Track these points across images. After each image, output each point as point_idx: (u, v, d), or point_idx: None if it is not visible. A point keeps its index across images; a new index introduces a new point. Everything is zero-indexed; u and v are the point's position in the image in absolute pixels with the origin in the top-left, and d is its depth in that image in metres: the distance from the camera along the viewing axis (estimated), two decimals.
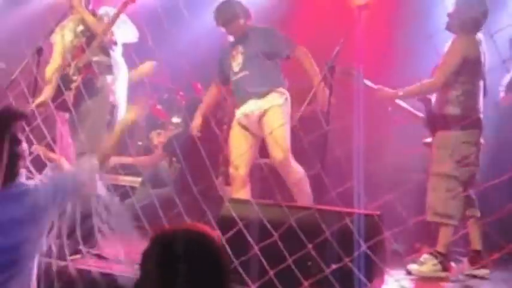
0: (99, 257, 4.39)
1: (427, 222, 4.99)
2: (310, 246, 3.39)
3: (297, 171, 5.37)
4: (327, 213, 3.62)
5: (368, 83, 5.08)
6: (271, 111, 5.42)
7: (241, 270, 3.46)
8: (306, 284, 3.37)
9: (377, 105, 5.30)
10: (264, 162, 5.31)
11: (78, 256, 4.11)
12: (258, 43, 5.44)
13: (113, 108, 5.67)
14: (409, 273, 4.89)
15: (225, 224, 3.78)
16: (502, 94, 5.85)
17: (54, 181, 3.39)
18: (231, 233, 3.58)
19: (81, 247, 4.03)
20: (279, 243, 3.39)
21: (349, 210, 3.66)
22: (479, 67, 4.94)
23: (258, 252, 3.47)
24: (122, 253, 4.32)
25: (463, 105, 4.91)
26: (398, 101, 5.28)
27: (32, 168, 3.69)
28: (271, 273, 3.39)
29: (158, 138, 7.37)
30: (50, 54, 4.84)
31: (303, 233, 3.41)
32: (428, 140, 5.19)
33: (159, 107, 7.41)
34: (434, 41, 4.79)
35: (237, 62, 5.62)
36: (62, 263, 3.81)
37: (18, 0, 7.94)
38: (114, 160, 6.33)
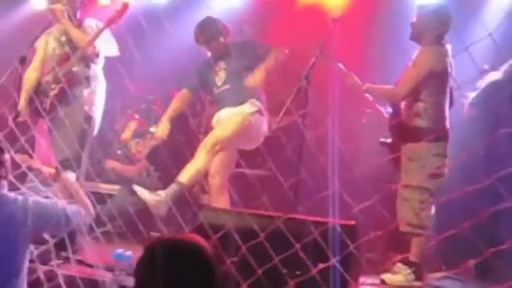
0: (82, 262, 4.44)
1: (399, 232, 5.02)
2: (298, 249, 3.39)
3: (225, 196, 5.50)
4: (303, 222, 3.65)
5: (341, 66, 5.12)
6: (231, 117, 5.57)
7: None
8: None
9: (352, 115, 5.42)
10: (248, 172, 5.40)
11: (60, 262, 4.16)
12: (238, 58, 5.63)
13: (89, 118, 5.75)
14: (383, 282, 4.96)
15: (201, 232, 3.82)
16: (466, 106, 5.89)
17: (46, 208, 3.39)
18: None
19: (63, 253, 4.08)
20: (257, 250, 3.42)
21: (325, 220, 3.72)
22: (446, 78, 4.98)
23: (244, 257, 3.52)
24: (102, 259, 4.39)
25: (431, 117, 4.97)
26: (368, 96, 5.33)
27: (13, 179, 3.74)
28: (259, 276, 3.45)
29: (136, 147, 7.43)
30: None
31: (279, 241, 3.44)
32: (388, 140, 5.27)
33: (136, 116, 7.47)
34: (409, 53, 4.95)
35: (219, 77, 5.77)
36: (46, 268, 3.87)
37: (2, 9, 7.95)
38: (110, 163, 6.41)
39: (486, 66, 4.35)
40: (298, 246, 3.41)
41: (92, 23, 5.87)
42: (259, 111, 5.63)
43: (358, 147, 6.00)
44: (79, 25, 5.80)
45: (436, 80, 4.95)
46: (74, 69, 5.60)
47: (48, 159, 6.05)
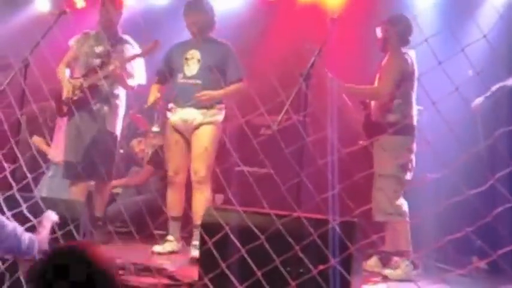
0: None
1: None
2: (298, 249, 3.49)
3: (209, 191, 5.60)
4: (306, 220, 3.62)
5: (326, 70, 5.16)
6: (208, 128, 5.56)
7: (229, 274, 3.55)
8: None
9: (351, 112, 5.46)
10: (247, 170, 5.44)
11: None
12: (216, 57, 5.59)
13: (115, 138, 5.95)
14: (385, 277, 5.12)
15: (208, 230, 3.89)
16: (478, 100, 5.94)
17: (11, 233, 3.44)
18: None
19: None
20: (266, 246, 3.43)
21: (328, 217, 3.76)
22: (413, 78, 5.34)
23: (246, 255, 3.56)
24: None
25: (403, 112, 5.28)
26: (345, 97, 5.43)
27: None
28: (260, 274, 3.49)
29: (139, 146, 7.52)
30: (36, 66, 4.92)
31: (282, 239, 3.47)
32: (363, 142, 5.35)
33: (139, 115, 7.54)
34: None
35: (190, 67, 5.65)
36: None
37: (3, 13, 8.00)
38: (114, 183, 6.47)
39: (470, 72, 4.39)
40: (300, 244, 3.45)
41: (129, 39, 6.05)
42: (224, 116, 5.70)
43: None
44: (118, 40, 5.97)
45: (406, 80, 5.30)
46: (100, 83, 5.71)
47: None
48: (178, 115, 5.66)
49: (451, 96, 3.07)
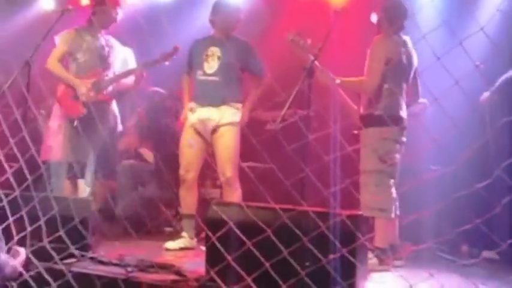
0: (93, 259, 4.48)
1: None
2: (307, 241, 3.50)
3: (239, 189, 5.64)
4: (309, 214, 3.65)
5: (316, 63, 5.07)
6: (229, 129, 5.63)
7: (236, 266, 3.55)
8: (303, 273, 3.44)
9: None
10: (247, 165, 5.48)
11: (73, 260, 4.22)
12: (237, 55, 5.61)
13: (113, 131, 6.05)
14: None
15: (212, 225, 3.91)
16: (486, 94, 5.95)
17: None
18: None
19: (74, 251, 4.16)
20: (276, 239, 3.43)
21: (331, 211, 3.77)
22: (401, 68, 5.16)
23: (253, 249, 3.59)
24: (115, 255, 4.48)
25: (384, 104, 5.11)
26: (340, 90, 5.39)
27: None
28: (265, 268, 3.52)
29: None
30: (38, 67, 4.95)
31: (286, 233, 3.48)
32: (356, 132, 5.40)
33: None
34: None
35: (210, 64, 5.70)
36: (57, 267, 3.96)
37: (5, 13, 8.02)
38: None
39: (478, 63, 4.39)
40: (305, 238, 3.45)
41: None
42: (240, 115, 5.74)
43: None
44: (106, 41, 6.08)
45: (392, 69, 5.10)
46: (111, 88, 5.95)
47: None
48: (197, 115, 5.72)
49: (457, 90, 3.06)
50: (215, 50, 5.73)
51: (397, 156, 5.14)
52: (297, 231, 3.43)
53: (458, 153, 3.18)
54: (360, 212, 3.88)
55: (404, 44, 5.23)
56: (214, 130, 5.67)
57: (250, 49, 5.80)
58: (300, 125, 4.77)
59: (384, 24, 5.29)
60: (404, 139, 5.21)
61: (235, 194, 5.59)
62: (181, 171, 5.72)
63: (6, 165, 4.23)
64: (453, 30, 3.34)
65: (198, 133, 5.74)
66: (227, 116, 5.65)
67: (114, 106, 6.07)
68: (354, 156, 4.49)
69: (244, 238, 3.51)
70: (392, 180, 5.12)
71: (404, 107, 5.22)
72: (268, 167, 5.91)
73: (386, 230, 5.07)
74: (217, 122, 5.65)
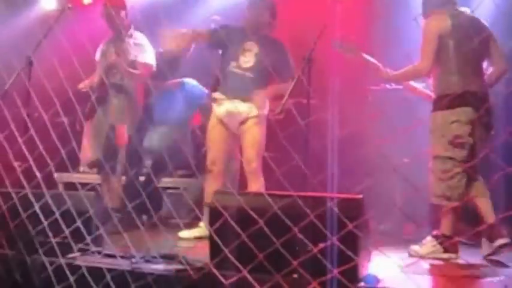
0: (103, 254, 4.48)
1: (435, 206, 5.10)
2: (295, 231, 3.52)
3: (262, 178, 5.68)
4: (308, 199, 3.71)
5: (370, 59, 5.15)
6: (257, 122, 5.69)
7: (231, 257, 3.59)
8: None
9: (356, 95, 5.47)
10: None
11: (78, 254, 4.27)
12: (272, 54, 5.64)
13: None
14: (410, 254, 4.99)
15: (215, 214, 3.91)
16: None
17: None
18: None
19: (84, 245, 4.21)
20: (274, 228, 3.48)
21: (331, 195, 3.79)
22: (457, 42, 4.90)
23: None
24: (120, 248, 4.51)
25: (445, 83, 4.94)
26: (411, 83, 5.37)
27: None
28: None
29: None
30: (39, 66, 5.00)
31: (287, 219, 3.49)
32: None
33: None
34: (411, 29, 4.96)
35: (247, 59, 5.74)
36: (68, 261, 4.02)
37: (6, 13, 8.09)
38: None
39: None
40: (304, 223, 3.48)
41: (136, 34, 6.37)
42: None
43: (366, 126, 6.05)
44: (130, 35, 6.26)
45: (445, 45, 4.92)
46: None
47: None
48: (225, 107, 5.78)
49: None
50: (252, 46, 5.76)
51: (469, 139, 4.88)
52: (314, 216, 3.45)
53: None
54: (359, 196, 3.85)
55: (458, 16, 5.00)
56: (242, 122, 5.74)
57: (284, 50, 5.83)
58: (300, 114, 4.80)
59: (427, 3, 5.17)
60: (486, 118, 4.94)
61: (258, 183, 5.65)
62: (208, 163, 5.80)
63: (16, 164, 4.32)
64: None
65: (225, 126, 5.81)
66: (256, 109, 5.71)
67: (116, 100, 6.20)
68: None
69: (238, 228, 3.57)
70: (459, 168, 4.86)
71: (479, 82, 4.97)
72: (271, 155, 5.99)
73: (452, 217, 4.94)
74: (246, 115, 5.71)
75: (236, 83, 5.71)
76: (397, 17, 5.96)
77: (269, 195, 3.76)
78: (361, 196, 3.89)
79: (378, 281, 3.66)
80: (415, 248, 5.02)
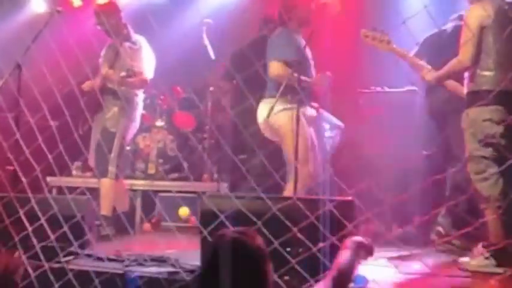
0: (91, 256, 4.48)
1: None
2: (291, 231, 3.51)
3: None
4: (303, 202, 3.69)
5: (422, 63, 4.87)
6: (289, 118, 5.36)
7: None
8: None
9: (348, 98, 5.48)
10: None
11: (71, 257, 4.27)
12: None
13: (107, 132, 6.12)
14: (461, 268, 4.48)
15: (206, 217, 3.94)
16: None
17: None
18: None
19: (73, 248, 4.20)
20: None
21: (324, 197, 3.80)
22: (498, 32, 4.44)
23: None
24: (113, 252, 4.50)
25: (480, 78, 4.51)
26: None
27: None
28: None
29: (144, 141, 7.56)
30: (28, 70, 5.00)
31: (282, 221, 3.52)
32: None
33: (143, 111, 7.58)
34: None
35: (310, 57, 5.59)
36: (56, 265, 4.00)
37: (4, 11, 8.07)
38: None
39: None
40: (298, 226, 3.50)
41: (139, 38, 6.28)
42: None
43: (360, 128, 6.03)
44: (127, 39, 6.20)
45: (487, 36, 4.49)
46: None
47: None
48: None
49: None
50: (307, 49, 5.50)
51: (501, 140, 4.41)
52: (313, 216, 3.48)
53: None
54: (351, 198, 3.81)
55: (501, 4, 4.55)
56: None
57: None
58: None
59: None
60: None
61: None
62: (299, 164, 5.20)
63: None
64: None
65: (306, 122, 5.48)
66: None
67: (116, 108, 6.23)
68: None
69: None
70: (493, 168, 4.40)
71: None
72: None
73: (496, 223, 4.34)
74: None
75: (308, 90, 5.47)
76: (387, 21, 5.93)
77: (262, 198, 3.75)
78: (351, 199, 3.88)
79: (367, 281, 3.64)
80: (464, 260, 4.56)
